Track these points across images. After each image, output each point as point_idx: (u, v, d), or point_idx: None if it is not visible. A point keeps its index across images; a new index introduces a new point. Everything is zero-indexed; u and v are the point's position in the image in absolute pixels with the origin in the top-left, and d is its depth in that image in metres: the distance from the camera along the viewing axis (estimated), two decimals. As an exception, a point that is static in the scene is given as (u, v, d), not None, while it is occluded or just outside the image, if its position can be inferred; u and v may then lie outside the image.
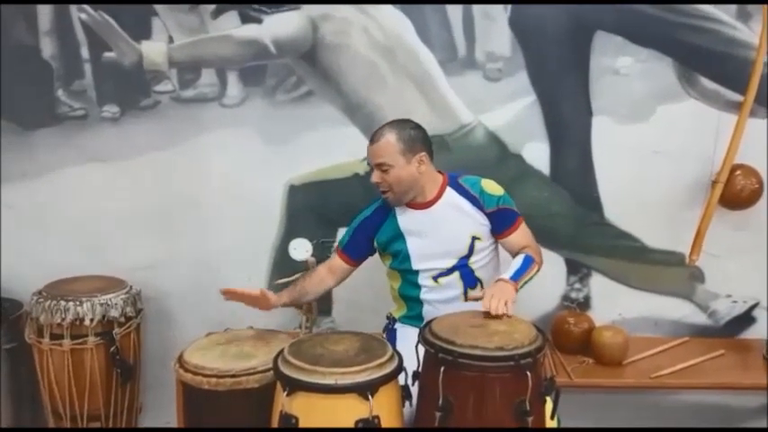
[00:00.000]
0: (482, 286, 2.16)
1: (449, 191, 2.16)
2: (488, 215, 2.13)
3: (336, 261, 2.27)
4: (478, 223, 2.14)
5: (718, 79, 2.61)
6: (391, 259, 2.21)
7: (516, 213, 2.18)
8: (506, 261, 2.20)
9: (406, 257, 2.16)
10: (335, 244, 2.58)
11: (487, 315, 1.88)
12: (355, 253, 2.25)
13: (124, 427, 2.57)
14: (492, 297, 1.90)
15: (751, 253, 2.69)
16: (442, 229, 2.13)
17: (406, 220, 2.16)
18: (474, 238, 2.13)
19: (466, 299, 2.16)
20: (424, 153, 2.10)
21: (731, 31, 2.56)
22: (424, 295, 2.18)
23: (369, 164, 2.18)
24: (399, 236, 2.16)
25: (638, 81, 2.61)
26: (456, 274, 2.15)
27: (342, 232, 2.65)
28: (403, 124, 2.12)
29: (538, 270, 2.11)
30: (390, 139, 2.07)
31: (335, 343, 1.87)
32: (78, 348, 2.42)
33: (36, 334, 2.46)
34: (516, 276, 2.02)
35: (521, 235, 2.18)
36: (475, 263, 2.15)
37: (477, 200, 2.14)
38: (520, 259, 2.08)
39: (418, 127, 2.14)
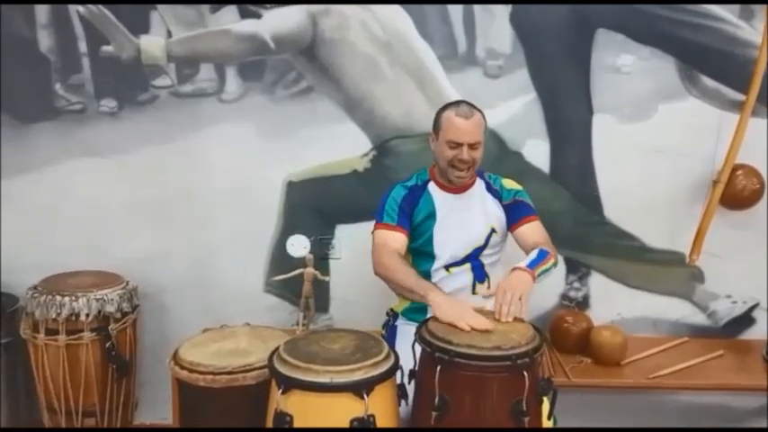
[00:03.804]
0: (489, 283, 2.17)
1: (479, 181, 2.24)
2: (504, 207, 2.20)
3: (399, 239, 2.14)
4: (496, 216, 2.20)
5: (720, 78, 2.59)
6: (413, 239, 2.20)
7: (532, 209, 2.21)
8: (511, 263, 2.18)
9: (430, 239, 2.17)
10: (331, 242, 2.57)
11: (496, 318, 1.85)
12: (408, 225, 2.18)
13: (120, 422, 2.56)
14: (504, 293, 1.86)
15: (751, 253, 2.69)
16: (467, 214, 2.18)
17: (441, 200, 2.19)
18: (492, 231, 2.18)
19: (473, 292, 2.16)
20: None
21: (733, 30, 2.55)
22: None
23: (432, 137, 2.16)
24: (432, 215, 2.18)
25: (640, 79, 2.60)
26: (467, 266, 2.17)
27: (341, 229, 2.67)
28: (472, 105, 2.14)
29: (554, 264, 2.06)
30: (479, 116, 2.12)
31: (331, 341, 1.86)
32: (74, 344, 2.40)
33: (31, 329, 2.44)
34: (533, 265, 1.96)
35: (535, 229, 2.17)
36: (486, 257, 2.19)
37: (497, 193, 2.23)
38: (535, 251, 2.04)
39: None
